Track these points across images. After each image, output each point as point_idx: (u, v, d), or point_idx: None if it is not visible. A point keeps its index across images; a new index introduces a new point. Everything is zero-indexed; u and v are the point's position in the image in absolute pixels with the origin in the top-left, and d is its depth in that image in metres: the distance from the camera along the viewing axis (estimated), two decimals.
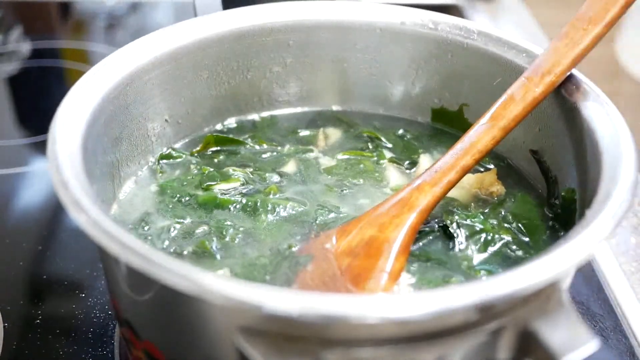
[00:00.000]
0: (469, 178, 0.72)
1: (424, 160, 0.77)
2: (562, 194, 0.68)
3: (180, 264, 0.46)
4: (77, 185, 0.52)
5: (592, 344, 0.46)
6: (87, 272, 0.80)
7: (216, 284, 0.45)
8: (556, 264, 0.48)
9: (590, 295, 0.80)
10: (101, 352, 0.71)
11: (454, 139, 0.71)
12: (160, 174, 0.74)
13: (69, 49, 1.30)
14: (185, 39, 0.75)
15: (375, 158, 0.77)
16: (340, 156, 0.77)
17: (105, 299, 0.76)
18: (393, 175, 0.74)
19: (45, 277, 0.80)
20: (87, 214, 0.50)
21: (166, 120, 0.76)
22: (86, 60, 1.26)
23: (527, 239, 0.66)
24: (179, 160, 0.76)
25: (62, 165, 0.54)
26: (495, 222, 0.67)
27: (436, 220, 0.67)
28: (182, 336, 0.53)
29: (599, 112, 0.64)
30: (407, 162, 0.77)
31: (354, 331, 0.46)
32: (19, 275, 0.80)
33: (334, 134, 0.81)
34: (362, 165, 0.75)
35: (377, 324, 0.44)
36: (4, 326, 0.73)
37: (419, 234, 0.65)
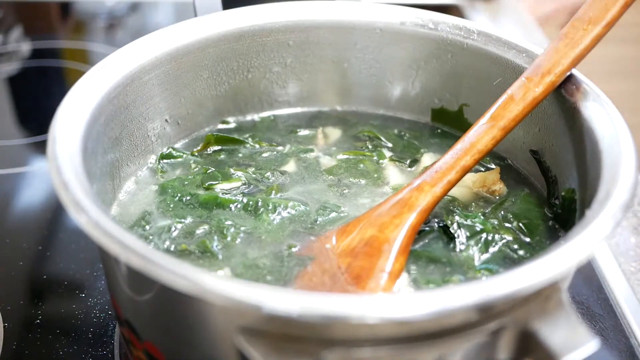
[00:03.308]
0: (472, 176, 0.72)
1: (426, 159, 0.77)
2: (562, 194, 0.68)
3: (180, 264, 0.46)
4: (77, 186, 0.52)
5: (592, 344, 0.46)
6: (87, 272, 0.80)
7: (216, 284, 0.45)
8: (556, 264, 0.48)
9: (590, 295, 0.80)
10: (101, 352, 0.71)
11: (454, 139, 0.71)
12: (161, 174, 0.74)
13: (69, 49, 1.30)
14: (185, 39, 0.75)
15: (376, 158, 0.77)
16: (340, 156, 0.77)
17: (105, 299, 0.76)
18: (393, 174, 0.74)
19: (45, 277, 0.80)
20: (88, 214, 0.50)
21: (166, 120, 0.76)
22: (86, 60, 1.26)
23: (527, 239, 0.66)
24: (179, 159, 0.76)
25: (62, 166, 0.54)
26: (495, 222, 0.67)
27: (437, 220, 0.67)
28: (183, 336, 0.53)
29: (599, 112, 0.64)
30: (408, 160, 0.77)
31: (354, 331, 0.46)
32: (19, 275, 0.80)
33: (334, 133, 0.81)
34: (362, 165, 0.75)
35: (377, 324, 0.44)
36: (4, 326, 0.73)
37: (419, 233, 0.65)
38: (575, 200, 0.66)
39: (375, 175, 0.74)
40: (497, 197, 0.71)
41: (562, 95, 0.68)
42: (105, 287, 0.78)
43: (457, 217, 0.66)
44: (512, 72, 0.73)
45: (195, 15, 0.83)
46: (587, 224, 0.51)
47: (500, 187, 0.72)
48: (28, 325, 0.73)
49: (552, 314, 0.48)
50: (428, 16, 0.80)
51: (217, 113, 0.81)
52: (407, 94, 0.84)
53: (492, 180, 0.72)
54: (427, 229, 0.66)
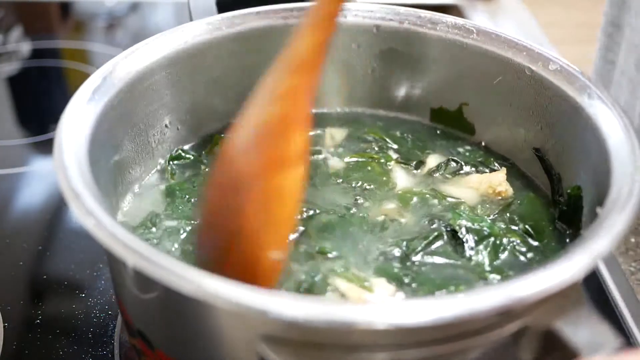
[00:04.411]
0: (477, 178, 0.72)
1: (431, 160, 0.77)
2: (568, 191, 0.68)
3: (189, 269, 0.46)
4: (87, 192, 0.52)
5: (617, 342, 0.46)
6: (87, 272, 0.80)
7: (235, 292, 0.44)
8: (579, 263, 0.48)
9: (590, 295, 0.80)
10: (101, 352, 0.71)
11: (456, 139, 0.71)
12: (171, 176, 0.74)
13: (69, 49, 1.30)
14: (184, 43, 0.74)
15: (383, 160, 0.76)
16: (348, 158, 0.77)
17: (105, 299, 0.76)
18: (400, 177, 0.74)
19: (45, 277, 0.80)
20: (97, 219, 0.49)
21: (171, 123, 0.76)
22: (86, 60, 1.25)
23: (535, 242, 0.66)
24: (188, 161, 0.76)
25: (70, 173, 0.53)
26: (503, 225, 0.67)
27: (444, 224, 0.66)
28: (196, 344, 0.52)
29: (602, 110, 0.64)
30: (414, 162, 0.76)
31: (378, 337, 0.46)
32: (19, 275, 0.80)
33: (340, 134, 0.81)
34: (369, 168, 0.75)
35: (402, 330, 0.44)
36: (4, 326, 0.73)
37: (428, 239, 0.64)
38: (581, 197, 0.66)
39: (384, 179, 0.74)
40: (503, 198, 0.71)
41: (563, 92, 0.68)
42: (106, 287, 0.78)
43: (464, 221, 0.65)
44: (512, 70, 0.74)
45: (191, 18, 0.83)
46: (604, 221, 0.51)
47: (506, 189, 0.72)
48: (28, 325, 0.73)
49: (572, 312, 0.47)
50: (428, 16, 0.80)
51: (222, 115, 0.81)
52: (407, 94, 0.84)
53: (497, 181, 0.72)
54: (435, 233, 0.65)
